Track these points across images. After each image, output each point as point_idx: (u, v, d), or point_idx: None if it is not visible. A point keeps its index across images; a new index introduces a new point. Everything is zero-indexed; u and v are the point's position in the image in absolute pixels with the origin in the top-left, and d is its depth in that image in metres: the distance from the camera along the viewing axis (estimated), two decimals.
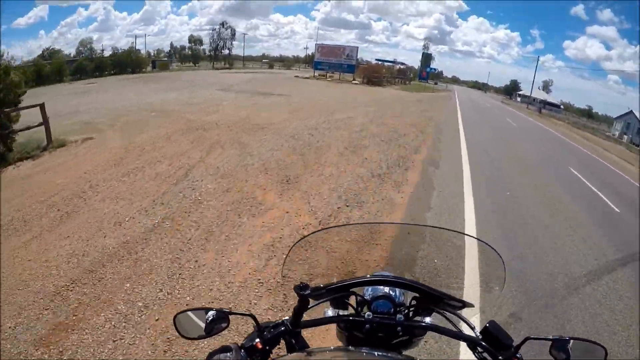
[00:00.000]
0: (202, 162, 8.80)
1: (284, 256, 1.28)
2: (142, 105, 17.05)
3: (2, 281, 4.12)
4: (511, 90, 72.79)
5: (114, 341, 3.30)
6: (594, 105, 60.01)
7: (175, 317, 1.10)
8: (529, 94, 60.10)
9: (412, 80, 55.67)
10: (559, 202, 8.71)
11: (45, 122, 10.13)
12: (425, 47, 66.24)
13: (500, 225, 6.72)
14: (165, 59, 54.61)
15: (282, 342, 1.06)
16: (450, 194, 7.79)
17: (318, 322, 1.11)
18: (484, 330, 1.03)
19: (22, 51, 49.92)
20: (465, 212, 6.94)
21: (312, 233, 1.32)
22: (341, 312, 1.15)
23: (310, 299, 1.07)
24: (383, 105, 22.07)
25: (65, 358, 3.15)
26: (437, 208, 6.95)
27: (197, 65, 57.36)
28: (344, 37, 74.03)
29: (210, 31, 57.79)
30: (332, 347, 1.04)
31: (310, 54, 50.90)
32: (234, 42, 58.30)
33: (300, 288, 1.05)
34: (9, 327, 3.45)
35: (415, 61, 63.38)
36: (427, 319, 1.11)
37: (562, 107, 59.52)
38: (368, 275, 1.15)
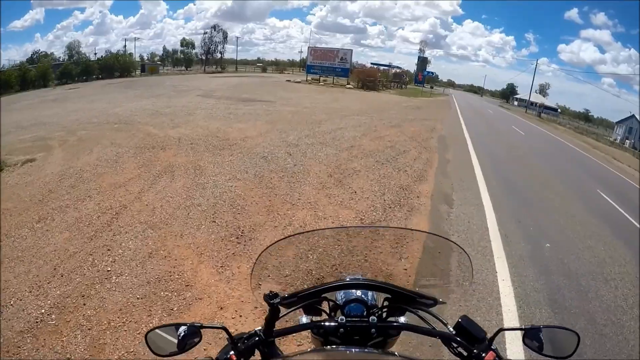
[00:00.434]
0: (139, 199, 6.52)
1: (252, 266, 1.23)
2: (108, 116, 14.68)
3: None
4: (508, 94, 71.74)
5: None
6: (588, 107, 59.42)
7: (146, 335, 1.04)
8: (525, 98, 59.00)
9: (408, 84, 53.34)
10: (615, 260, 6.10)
11: None
12: (422, 50, 64.72)
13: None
14: (155, 62, 51.94)
15: (257, 352, 1.02)
16: (483, 265, 5.15)
17: (291, 330, 1.08)
18: (457, 326, 1.03)
19: (19, 54, 48.00)
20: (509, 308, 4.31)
21: (275, 242, 1.24)
22: (315, 318, 1.11)
23: (281, 307, 1.05)
24: (378, 112, 19.45)
25: None
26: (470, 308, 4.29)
27: (188, 69, 54.92)
28: (340, 42, 71.94)
29: (202, 34, 54.98)
30: (308, 350, 1.03)
31: (304, 57, 48.24)
32: (227, 46, 56.01)
33: (269, 297, 1.04)
34: None
35: (411, 65, 62.50)
36: (401, 319, 1.11)
37: (559, 110, 58.18)
38: (339, 280, 1.15)
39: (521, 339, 1.05)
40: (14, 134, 11.49)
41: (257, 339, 1.02)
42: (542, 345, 1.02)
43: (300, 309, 1.12)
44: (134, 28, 61.46)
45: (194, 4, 72.22)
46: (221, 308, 3.75)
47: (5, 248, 4.90)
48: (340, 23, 72.27)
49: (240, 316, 3.63)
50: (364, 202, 6.66)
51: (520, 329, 1.04)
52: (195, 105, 17.55)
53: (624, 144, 34.89)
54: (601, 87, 63.36)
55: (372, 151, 10.40)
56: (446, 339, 1.02)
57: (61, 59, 44.35)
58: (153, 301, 3.80)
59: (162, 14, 68.40)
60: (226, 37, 54.87)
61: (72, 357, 3.19)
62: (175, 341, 1.02)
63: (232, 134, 11.61)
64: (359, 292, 1.12)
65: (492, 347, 0.98)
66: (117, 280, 4.15)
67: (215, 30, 53.94)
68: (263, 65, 61.76)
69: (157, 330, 1.05)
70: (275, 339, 1.05)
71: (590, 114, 58.00)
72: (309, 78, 40.57)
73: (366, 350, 1.01)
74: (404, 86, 50.66)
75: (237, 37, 59.49)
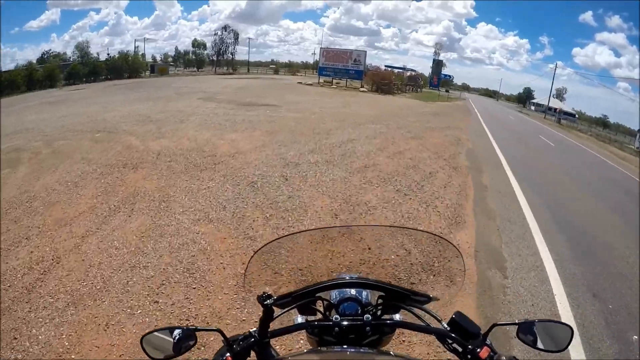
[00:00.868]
0: (79, 248, 4.81)
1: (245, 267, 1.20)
2: (96, 122, 12.99)
3: None
4: (524, 98, 69.51)
5: None
6: (603, 112, 57.27)
7: (141, 339, 1.03)
8: (543, 103, 56.74)
9: (423, 87, 50.89)
10: None
11: None
12: (436, 53, 62.94)
13: None
14: (165, 63, 50.41)
15: (253, 354, 1.01)
16: None
17: (286, 331, 1.06)
18: (451, 322, 1.02)
19: (35, 54, 47.27)
20: None
21: (267, 243, 1.22)
22: (310, 318, 1.11)
23: (275, 308, 1.05)
24: (395, 119, 17.16)
25: None
26: None
27: (200, 70, 53.29)
28: (354, 44, 70.12)
29: (213, 35, 53.21)
30: (304, 351, 1.04)
31: (317, 59, 46.08)
32: (239, 47, 54.40)
33: (263, 298, 1.03)
34: None
35: (424, 68, 61.24)
36: (396, 316, 1.11)
37: (576, 115, 55.59)
38: (333, 279, 1.14)
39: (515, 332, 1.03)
40: None
41: (252, 340, 1.00)
42: (536, 339, 1.02)
43: (295, 309, 1.10)
44: (148, 29, 61.47)
45: (208, 6, 71.58)
46: None
47: None
48: (354, 25, 71.02)
49: None
50: (381, 269, 4.47)
51: (514, 324, 1.04)
52: (192, 110, 15.52)
53: None
54: (617, 91, 61.26)
55: (390, 174, 8.18)
56: (440, 336, 1.01)
57: (71, 59, 42.99)
58: None
59: (177, 15, 68.32)
60: (237, 37, 53.08)
61: None
62: (171, 344, 1.00)
63: (222, 147, 9.52)
64: (353, 291, 1.11)
65: (487, 342, 0.97)
66: None
67: (226, 30, 52.11)
68: (276, 67, 59.83)
69: (152, 334, 1.03)
70: (271, 339, 1.03)
71: (607, 119, 55.72)
72: (321, 80, 38.25)
73: (361, 350, 1.00)
74: (419, 89, 48.18)
75: (249, 38, 57.94)
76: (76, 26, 57.75)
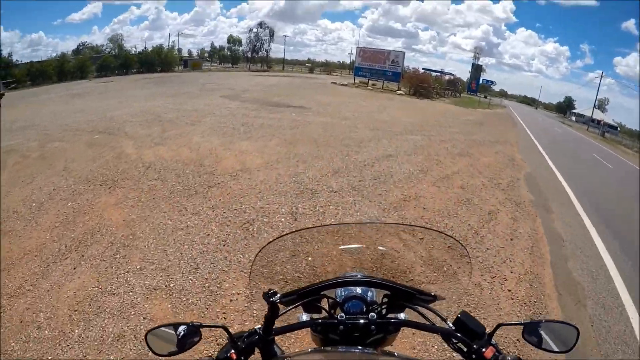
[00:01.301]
0: None
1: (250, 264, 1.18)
2: (102, 120, 11.86)
3: None
4: (565, 108, 65.21)
5: None
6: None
7: (146, 335, 1.01)
8: (584, 113, 54.01)
9: (461, 92, 47.90)
10: None
11: None
12: (476, 57, 59.93)
13: None
14: (199, 58, 49.41)
15: (257, 351, 0.98)
16: None
17: (291, 328, 1.04)
18: (457, 321, 1.00)
19: (75, 46, 47.56)
20: None
21: (273, 240, 1.20)
22: (314, 316, 1.08)
23: (280, 305, 1.01)
24: (437, 129, 14.79)
25: None
26: None
27: (234, 66, 52.06)
28: (391, 46, 67.95)
29: (248, 32, 51.76)
30: (309, 350, 1.01)
31: (353, 59, 43.84)
32: (276, 45, 52.97)
33: (268, 295, 1.00)
34: None
35: (461, 72, 58.58)
36: (401, 315, 1.08)
37: (618, 128, 51.52)
38: (338, 277, 1.11)
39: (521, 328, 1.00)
40: None
41: (256, 337, 0.98)
42: (541, 340, 1.00)
43: (300, 307, 1.08)
44: (188, 24, 61.60)
45: (247, 3, 71.21)
46: None
47: None
48: (392, 27, 68.89)
49: None
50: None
51: (520, 324, 1.02)
52: (210, 110, 13.75)
53: None
54: None
55: (438, 213, 6.04)
56: (445, 335, 0.99)
57: (107, 52, 42.45)
58: None
59: (216, 12, 68.57)
60: (272, 34, 51.45)
61: None
62: (175, 341, 0.98)
63: (226, 161, 7.65)
64: (358, 289, 1.08)
65: (492, 342, 0.95)
66: None
67: (261, 27, 50.51)
68: (311, 66, 57.92)
69: (156, 330, 1.01)
70: (276, 337, 1.01)
71: None
72: (356, 81, 35.86)
73: (366, 350, 0.98)
74: (458, 95, 45.21)
75: (285, 36, 56.06)
76: (117, 20, 58.78)
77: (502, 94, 69.35)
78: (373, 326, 1.00)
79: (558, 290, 4.40)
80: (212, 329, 1.04)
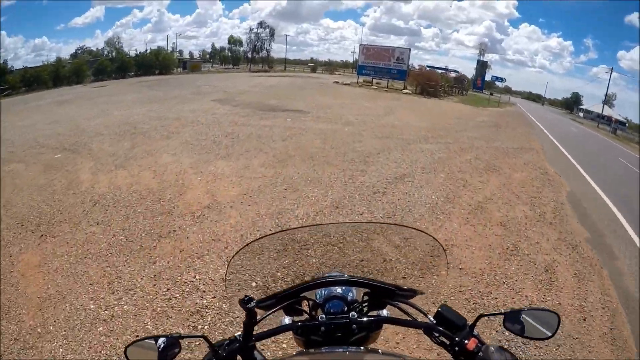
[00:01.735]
0: None
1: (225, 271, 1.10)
2: (75, 133, 10.34)
3: None
4: (572, 103, 63.19)
5: None
6: None
7: (125, 349, 0.97)
8: (592, 110, 51.00)
9: (468, 90, 45.69)
10: None
11: None
12: (481, 53, 57.60)
13: None
14: (197, 60, 47.54)
15: (239, 358, 0.94)
16: None
17: (272, 333, 1.00)
18: (437, 315, 0.98)
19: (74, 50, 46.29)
20: None
21: (246, 245, 1.14)
22: (295, 318, 1.06)
23: (260, 310, 1.00)
24: (453, 135, 12.75)
25: None
26: None
27: (235, 67, 50.15)
28: (394, 44, 65.20)
29: (248, 31, 49.80)
30: (294, 353, 0.98)
31: (357, 58, 41.76)
32: (278, 45, 51.11)
33: (244, 302, 0.96)
34: None
35: (465, 69, 57.02)
36: (382, 312, 1.08)
37: (626, 124, 49.23)
38: (317, 278, 1.09)
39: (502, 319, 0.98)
40: None
41: (237, 345, 0.94)
42: (523, 328, 0.99)
43: (281, 310, 1.05)
44: (190, 26, 60.78)
45: (249, 4, 69.94)
46: None
47: None
48: (394, 25, 66.80)
49: None
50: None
51: (501, 314, 1.00)
52: (195, 117, 11.87)
53: None
54: None
55: (479, 277, 4.12)
56: (427, 329, 0.97)
57: (107, 55, 40.72)
58: None
59: (218, 13, 67.33)
60: (273, 34, 49.31)
61: None
62: (156, 353, 0.93)
63: (193, 192, 5.80)
64: (338, 289, 1.06)
65: (474, 333, 0.94)
66: None
67: (261, 27, 48.49)
68: (314, 65, 55.74)
69: (136, 344, 0.97)
70: (258, 342, 0.97)
71: None
72: (360, 80, 33.58)
73: (350, 349, 0.95)
74: (465, 92, 42.98)
75: (287, 35, 53.92)
76: (120, 23, 57.79)
77: (507, 91, 67.43)
78: (355, 325, 0.98)
79: None
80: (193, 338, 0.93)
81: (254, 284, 1.20)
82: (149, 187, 6.13)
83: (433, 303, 1.18)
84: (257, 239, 1.16)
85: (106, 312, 3.27)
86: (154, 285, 3.61)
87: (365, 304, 1.06)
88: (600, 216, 7.08)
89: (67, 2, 50.61)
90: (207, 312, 3.23)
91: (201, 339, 0.93)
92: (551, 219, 6.23)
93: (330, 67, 54.26)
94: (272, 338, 1.01)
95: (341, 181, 6.56)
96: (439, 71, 44.45)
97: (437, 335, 0.95)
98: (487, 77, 57.92)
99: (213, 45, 55.17)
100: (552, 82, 78.87)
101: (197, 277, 3.72)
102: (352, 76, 40.11)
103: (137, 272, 3.82)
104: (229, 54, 52.08)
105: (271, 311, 1.02)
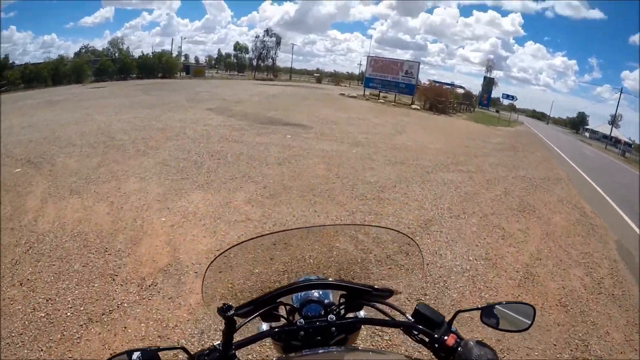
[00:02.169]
0: None
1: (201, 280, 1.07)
2: (44, 141, 8.87)
3: None
4: (578, 123, 62.10)
5: None
6: None
7: None
8: (598, 130, 50.76)
9: (475, 106, 44.22)
10: None
11: None
12: (488, 70, 56.46)
13: None
14: (201, 65, 46.29)
15: None
16: None
17: (251, 340, 0.96)
18: (415, 313, 0.98)
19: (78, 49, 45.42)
20: None
21: (222, 253, 1.09)
22: (273, 324, 1.05)
23: (238, 318, 0.96)
24: (473, 160, 11.09)
25: None
26: None
27: (240, 74, 48.82)
28: (400, 57, 64.90)
29: (254, 38, 48.53)
30: (274, 359, 0.98)
31: (363, 70, 40.28)
32: (283, 54, 49.99)
33: (223, 310, 0.93)
34: None
35: (470, 85, 56.37)
36: (360, 314, 1.08)
37: (632, 145, 47.98)
38: (293, 283, 1.08)
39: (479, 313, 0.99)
40: None
41: (217, 354, 0.90)
42: (499, 322, 0.99)
43: (259, 317, 1.02)
44: (199, 32, 60.41)
45: (257, 12, 69.43)
46: None
47: None
48: (401, 38, 66.19)
49: None
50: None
51: (477, 309, 1.00)
52: (181, 128, 10.33)
53: None
54: None
55: None
56: (406, 328, 0.97)
57: (108, 55, 39.37)
58: None
59: (227, 20, 67.13)
60: (279, 42, 48.02)
61: None
62: None
63: (151, 242, 4.29)
64: (314, 293, 1.06)
65: (452, 329, 0.93)
66: None
67: (268, 34, 47.16)
68: (319, 76, 54.34)
69: (113, 359, 0.88)
70: (237, 351, 0.93)
71: None
72: (366, 93, 31.99)
73: (330, 349, 0.95)
74: (472, 109, 41.45)
75: (293, 44, 52.69)
76: (129, 24, 57.37)
77: (511, 108, 66.53)
78: (333, 328, 0.97)
79: None
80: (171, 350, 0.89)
81: (230, 291, 1.10)
82: (99, 228, 4.56)
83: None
84: (234, 246, 1.08)
85: None
86: None
87: (342, 306, 1.04)
88: None
89: (77, 2, 50.02)
90: None
91: (180, 350, 0.88)
92: (611, 288, 4.67)
93: (336, 78, 52.84)
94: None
95: (349, 235, 4.96)
96: (445, 86, 43.12)
97: (416, 333, 0.94)
98: (494, 94, 56.99)
99: (219, 51, 54.15)
100: (556, 101, 78.18)
101: None
102: (358, 88, 38.65)
103: None
104: (234, 61, 50.86)
105: (250, 318, 0.97)
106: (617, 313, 4.12)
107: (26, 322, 2.98)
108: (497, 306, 0.99)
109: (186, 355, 0.88)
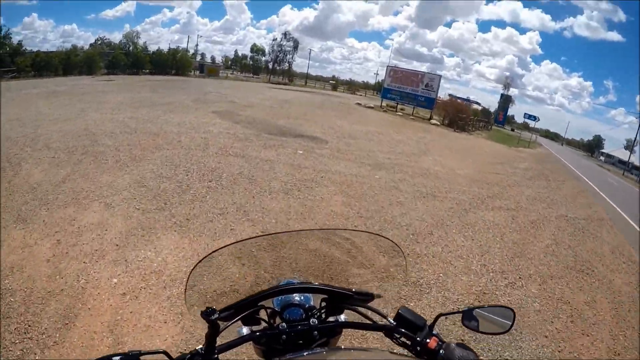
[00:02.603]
0: None
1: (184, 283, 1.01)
2: (20, 140, 7.59)
3: None
4: (593, 147, 61.24)
5: None
6: None
7: None
8: (613, 154, 50.30)
9: (492, 124, 42.55)
10: None
11: None
12: (506, 87, 54.79)
13: None
14: (216, 64, 45.15)
15: None
16: None
17: (233, 345, 0.91)
18: (397, 317, 0.96)
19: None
20: None
21: (205, 257, 1.03)
22: (254, 328, 0.99)
23: (220, 322, 0.89)
24: (509, 194, 9.49)
25: None
26: None
27: (255, 76, 47.60)
28: (418, 69, 64.11)
29: (272, 41, 47.32)
30: None
31: (380, 80, 38.69)
32: (300, 59, 48.81)
33: (207, 314, 0.87)
34: None
35: (485, 102, 55.80)
36: (341, 317, 1.03)
37: None
38: (274, 286, 1.03)
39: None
40: None
41: (199, 358, 0.86)
42: (479, 324, 0.99)
43: (240, 321, 0.97)
44: (217, 32, 59.93)
45: (277, 16, 68.89)
46: None
47: None
48: (418, 51, 65.32)
49: None
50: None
51: (458, 312, 1.00)
52: (176, 135, 8.91)
53: None
54: None
55: None
56: (388, 331, 0.96)
57: (122, 48, 38.31)
58: None
59: (246, 22, 66.75)
60: (297, 46, 46.72)
61: None
62: None
63: (85, 323, 2.83)
64: (296, 297, 1.02)
65: (434, 332, 0.93)
66: None
67: (285, 38, 45.87)
68: (335, 83, 52.92)
69: None
70: (219, 355, 0.89)
71: None
72: (384, 104, 30.45)
73: (313, 351, 0.91)
74: (490, 127, 39.74)
75: (310, 50, 51.36)
76: (149, 20, 56.94)
77: (525, 127, 65.15)
78: (315, 332, 0.95)
79: None
80: (153, 355, 0.82)
81: (213, 295, 1.07)
82: (30, 285, 3.16)
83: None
84: (216, 250, 1.01)
85: None
86: None
87: (324, 310, 1.02)
88: None
89: None
90: None
91: (162, 354, 0.84)
92: None
93: (352, 86, 51.41)
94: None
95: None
96: (462, 102, 41.53)
97: (398, 336, 0.93)
98: (510, 112, 55.31)
99: (236, 52, 53.14)
100: (570, 122, 76.44)
101: None
102: (374, 98, 37.15)
103: None
104: (250, 62, 49.69)
105: (232, 322, 0.93)
106: None
107: None
108: (477, 309, 0.98)
109: (167, 359, 0.82)
